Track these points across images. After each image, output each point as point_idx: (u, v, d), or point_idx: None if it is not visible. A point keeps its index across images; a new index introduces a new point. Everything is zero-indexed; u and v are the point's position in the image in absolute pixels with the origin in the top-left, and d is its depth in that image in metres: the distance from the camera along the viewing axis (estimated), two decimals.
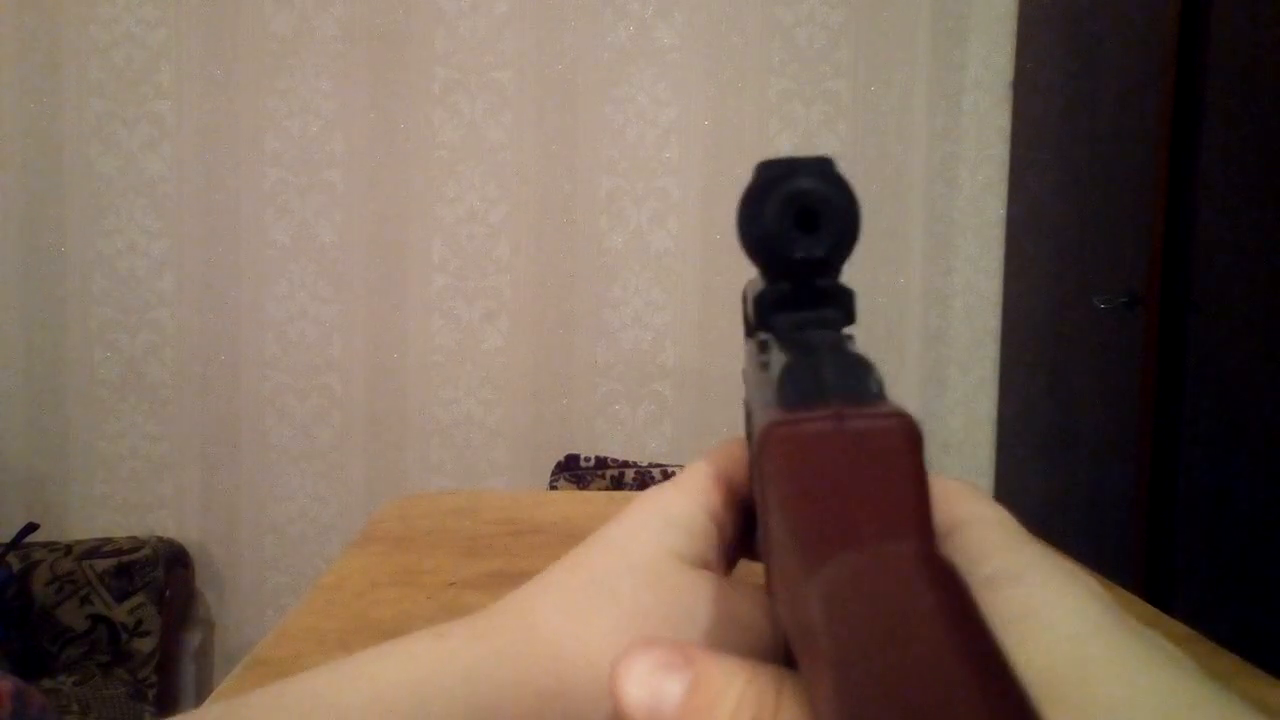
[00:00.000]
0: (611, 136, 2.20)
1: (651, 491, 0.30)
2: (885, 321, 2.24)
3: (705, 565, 0.28)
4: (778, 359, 0.22)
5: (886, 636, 0.14)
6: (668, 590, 0.27)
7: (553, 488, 2.12)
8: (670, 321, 2.23)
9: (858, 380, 0.20)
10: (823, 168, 0.23)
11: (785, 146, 2.19)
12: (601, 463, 2.15)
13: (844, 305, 0.24)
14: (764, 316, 0.24)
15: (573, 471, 2.14)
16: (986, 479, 2.28)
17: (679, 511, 0.28)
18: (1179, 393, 1.46)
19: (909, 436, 0.18)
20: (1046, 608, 0.20)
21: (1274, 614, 1.22)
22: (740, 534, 0.30)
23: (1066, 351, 1.91)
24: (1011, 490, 2.19)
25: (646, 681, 0.19)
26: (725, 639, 0.26)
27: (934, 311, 2.25)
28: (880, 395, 0.19)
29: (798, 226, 0.23)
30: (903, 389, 2.26)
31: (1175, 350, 1.47)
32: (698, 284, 2.20)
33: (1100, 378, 1.75)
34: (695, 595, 0.27)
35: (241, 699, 0.23)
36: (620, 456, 2.19)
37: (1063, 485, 1.91)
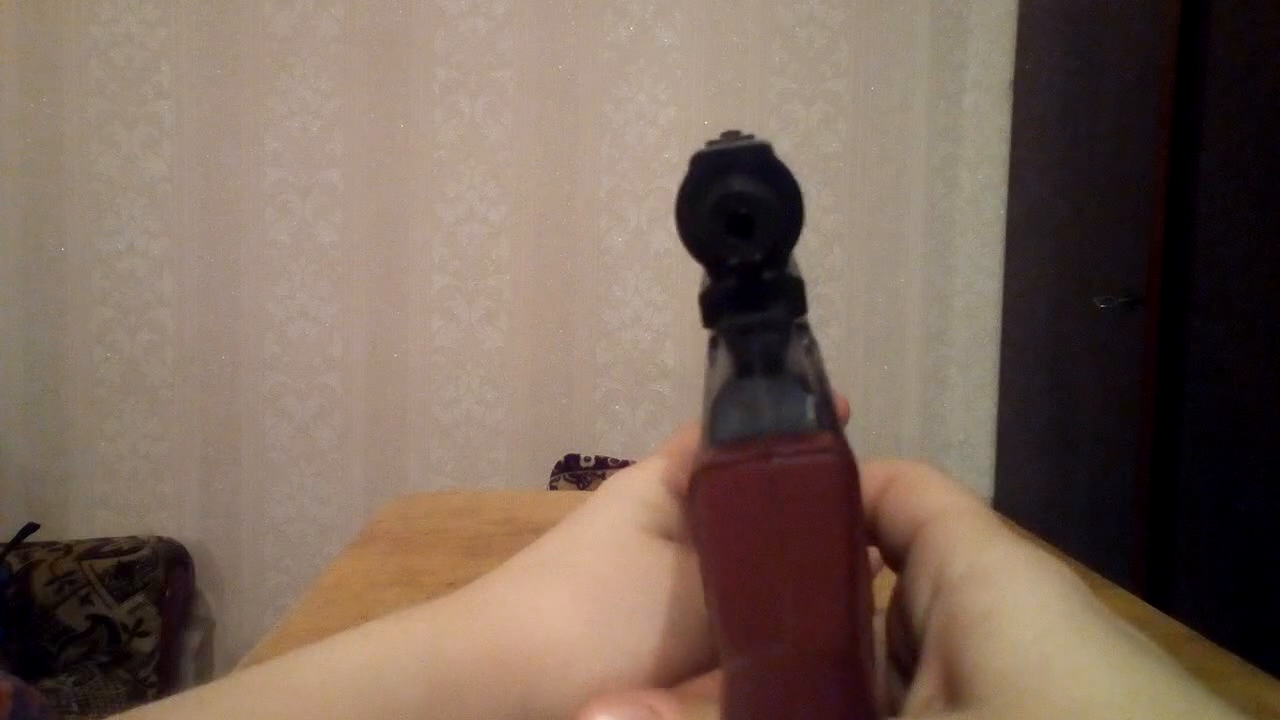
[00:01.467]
0: (611, 136, 2.20)
1: (613, 476, 0.30)
2: (885, 321, 2.23)
3: (669, 537, 0.28)
4: (719, 364, 0.22)
5: None
6: (627, 558, 0.26)
7: (553, 488, 2.12)
8: (670, 321, 2.23)
9: (792, 408, 0.19)
10: (759, 159, 0.22)
11: (785, 146, 2.19)
12: (601, 463, 2.15)
13: (792, 297, 0.23)
14: (709, 316, 0.24)
15: (573, 472, 2.14)
16: (986, 479, 2.28)
17: (639, 488, 0.29)
18: (1179, 393, 1.46)
19: (840, 472, 0.18)
20: (1011, 607, 0.20)
21: (1274, 614, 1.22)
22: None
23: (1066, 351, 1.91)
24: (1011, 490, 2.19)
25: None
26: (688, 607, 0.26)
27: (934, 311, 2.25)
28: (817, 422, 0.19)
29: (731, 231, 0.22)
30: (903, 389, 2.26)
31: (1175, 350, 1.47)
32: (697, 284, 2.20)
33: (1100, 378, 1.75)
34: (656, 562, 0.26)
35: (206, 686, 0.24)
36: (620, 456, 2.19)
37: (1063, 485, 1.91)
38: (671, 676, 0.25)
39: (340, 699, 0.23)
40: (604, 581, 0.26)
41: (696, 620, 0.25)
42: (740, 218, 0.22)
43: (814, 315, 2.44)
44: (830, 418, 0.20)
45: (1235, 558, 1.32)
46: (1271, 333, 1.25)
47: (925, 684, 0.21)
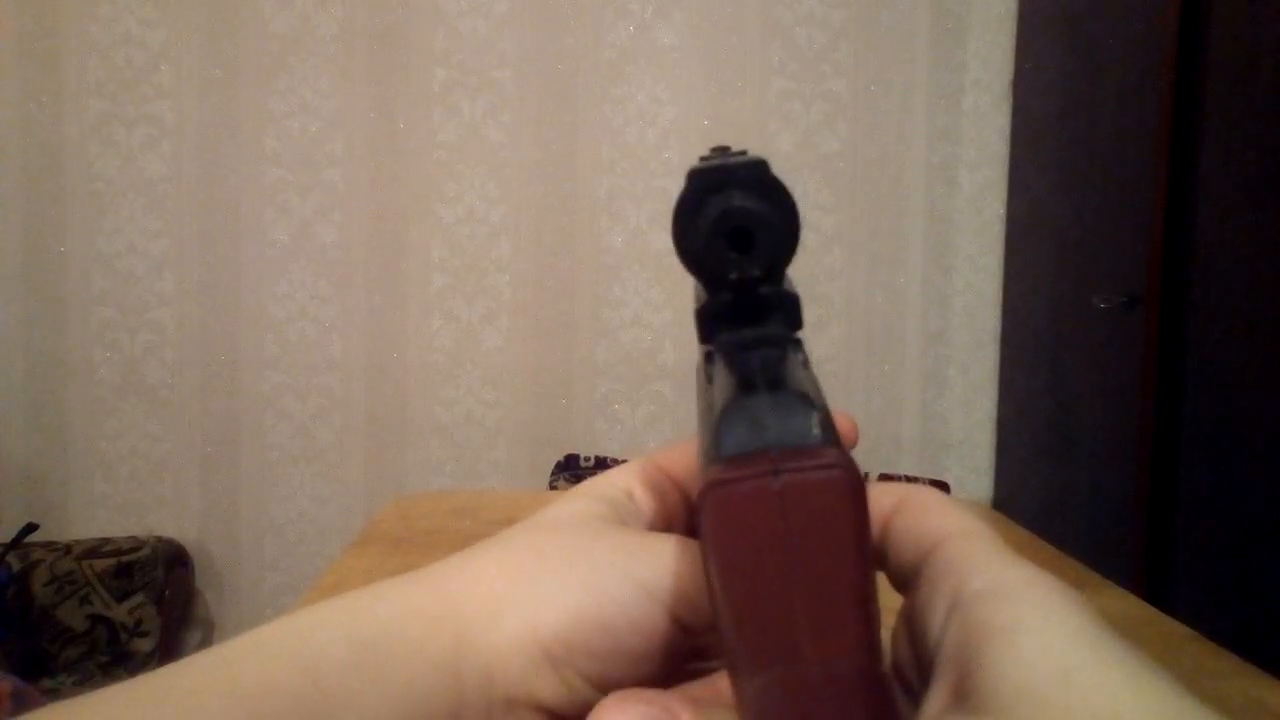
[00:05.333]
0: (611, 136, 2.20)
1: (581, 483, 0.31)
2: (885, 321, 2.23)
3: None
4: (720, 380, 0.22)
5: None
6: (567, 533, 0.27)
7: (552, 488, 2.12)
8: (670, 321, 2.23)
9: (797, 423, 0.19)
10: (757, 174, 0.22)
11: (785, 146, 2.19)
12: (601, 463, 2.15)
13: (789, 312, 0.23)
14: (706, 332, 0.24)
15: (572, 471, 2.14)
16: (986, 479, 2.28)
17: (600, 487, 0.30)
18: (1179, 393, 1.46)
19: (848, 486, 0.18)
20: (1032, 620, 0.20)
21: (1274, 614, 1.22)
22: (667, 523, 0.30)
23: (1066, 351, 1.91)
24: (1011, 490, 2.19)
25: None
26: (626, 573, 0.26)
27: (934, 311, 2.25)
28: (821, 438, 0.19)
29: (731, 247, 0.22)
30: (903, 389, 2.26)
31: (1175, 350, 1.47)
32: (697, 284, 2.20)
33: (1100, 378, 1.75)
34: (597, 536, 0.27)
35: (142, 675, 0.24)
36: (620, 456, 2.19)
37: (1063, 485, 1.91)
38: (606, 635, 0.25)
39: (268, 662, 0.24)
40: (538, 549, 0.27)
41: (632, 586, 0.25)
42: (740, 233, 0.22)
43: (814, 315, 2.41)
44: (833, 433, 0.20)
45: (1235, 558, 1.32)
46: (1271, 333, 1.25)
47: (939, 697, 0.21)
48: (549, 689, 0.25)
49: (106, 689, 0.23)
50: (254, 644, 0.24)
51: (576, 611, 0.25)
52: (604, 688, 0.25)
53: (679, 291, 2.22)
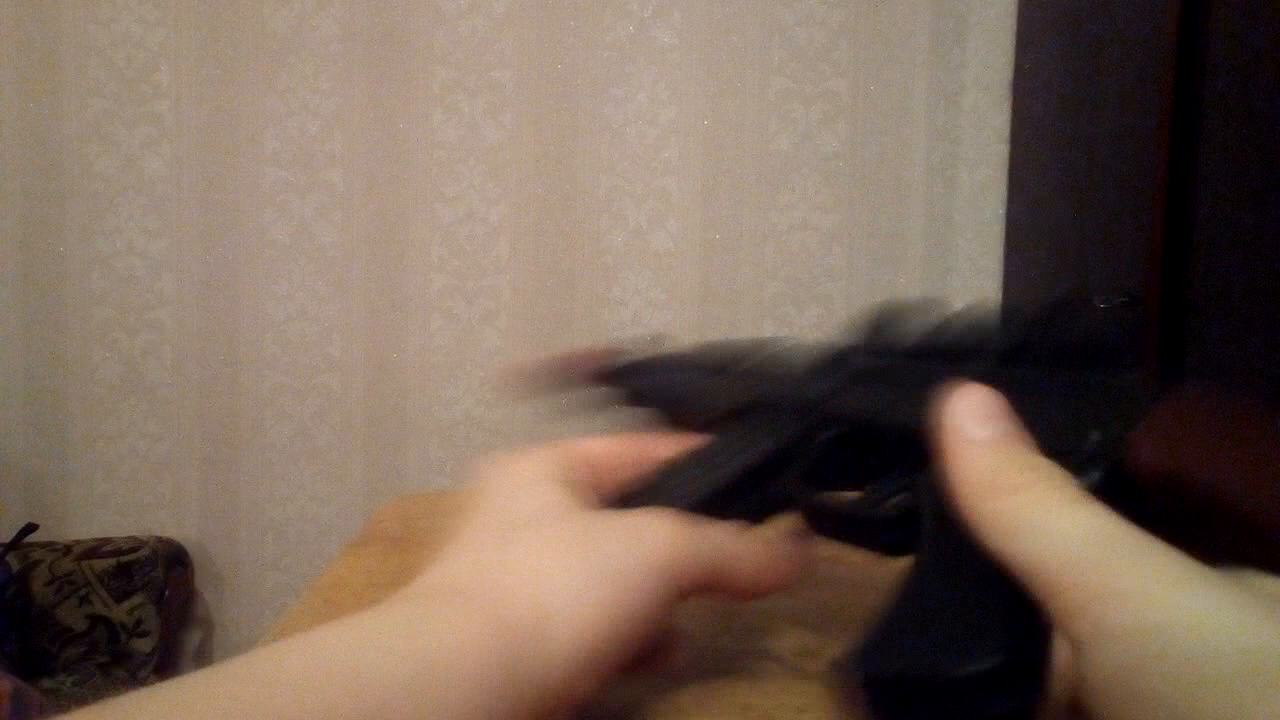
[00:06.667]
0: (611, 136, 2.20)
1: (497, 467, 0.34)
2: None
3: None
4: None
5: None
6: (571, 528, 0.30)
7: None
8: (670, 321, 2.22)
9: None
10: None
11: (785, 146, 2.18)
12: None
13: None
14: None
15: None
16: None
17: (541, 470, 0.33)
18: None
19: None
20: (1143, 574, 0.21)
21: None
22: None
23: None
24: None
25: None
26: (632, 560, 0.28)
27: None
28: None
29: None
30: None
31: (1175, 350, 1.47)
32: (697, 284, 2.20)
33: None
34: (600, 528, 0.30)
35: (187, 676, 0.23)
36: None
37: None
38: (635, 623, 0.27)
39: (326, 683, 0.23)
40: (558, 550, 0.28)
41: (645, 570, 0.28)
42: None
43: (814, 315, 2.39)
44: None
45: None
46: (1271, 333, 1.25)
47: (1063, 648, 0.22)
48: (588, 686, 0.26)
49: (150, 694, 0.22)
50: (308, 662, 0.24)
51: (611, 609, 0.27)
52: (629, 670, 0.27)
53: (679, 291, 2.22)
